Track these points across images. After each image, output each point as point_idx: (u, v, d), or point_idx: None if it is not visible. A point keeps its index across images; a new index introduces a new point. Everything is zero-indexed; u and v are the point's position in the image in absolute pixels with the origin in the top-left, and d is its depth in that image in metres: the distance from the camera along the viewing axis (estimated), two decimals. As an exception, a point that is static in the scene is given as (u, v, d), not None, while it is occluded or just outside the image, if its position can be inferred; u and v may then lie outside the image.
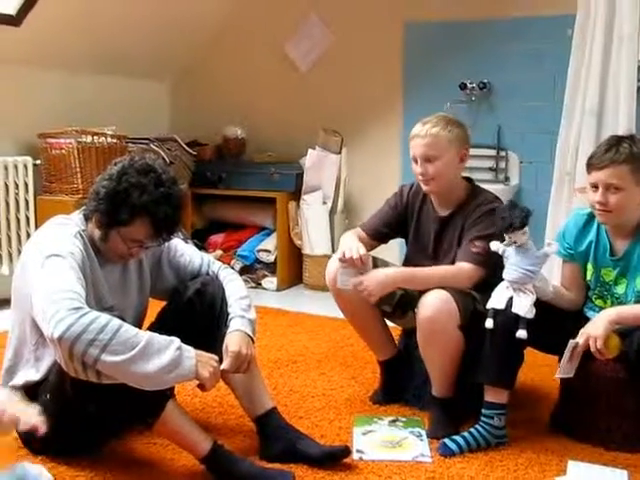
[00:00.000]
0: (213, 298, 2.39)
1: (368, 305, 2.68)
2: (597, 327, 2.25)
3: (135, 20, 4.59)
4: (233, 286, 2.45)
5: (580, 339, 2.28)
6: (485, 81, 4.47)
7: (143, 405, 2.09)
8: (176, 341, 2.02)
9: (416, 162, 2.64)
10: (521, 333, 2.30)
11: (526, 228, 2.36)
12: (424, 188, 2.68)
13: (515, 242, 2.36)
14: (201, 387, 2.10)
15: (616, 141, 2.39)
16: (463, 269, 2.55)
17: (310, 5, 4.96)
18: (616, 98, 3.72)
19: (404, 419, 2.65)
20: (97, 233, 2.25)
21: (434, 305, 2.44)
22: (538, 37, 4.35)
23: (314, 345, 3.55)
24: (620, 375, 2.40)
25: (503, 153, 4.53)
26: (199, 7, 4.87)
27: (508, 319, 2.32)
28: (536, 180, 4.44)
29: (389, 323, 2.87)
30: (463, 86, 4.49)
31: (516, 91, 4.45)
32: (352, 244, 2.63)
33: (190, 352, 2.04)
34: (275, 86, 5.15)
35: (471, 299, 2.49)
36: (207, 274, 2.50)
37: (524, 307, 2.30)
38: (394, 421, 2.64)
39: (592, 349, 2.26)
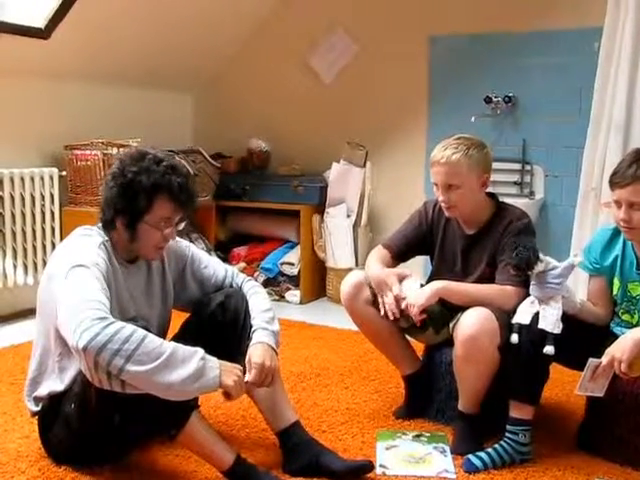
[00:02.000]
0: (237, 311, 2.38)
1: (385, 321, 2.67)
2: (623, 349, 2.21)
3: (161, 33, 4.63)
4: (257, 298, 2.44)
5: (604, 359, 2.24)
6: (510, 95, 4.44)
7: (167, 416, 2.09)
8: (200, 351, 2.02)
9: (437, 188, 2.60)
10: (548, 349, 2.28)
11: (538, 264, 2.35)
12: (447, 213, 2.66)
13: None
14: (227, 396, 2.10)
15: (638, 157, 2.35)
16: (507, 291, 2.51)
17: (335, 17, 4.96)
18: (643, 114, 3.68)
19: (428, 434, 2.63)
20: (125, 236, 2.25)
21: (478, 324, 2.40)
22: (564, 51, 4.31)
23: (337, 358, 3.53)
24: None
25: (528, 167, 4.48)
26: (225, 20, 4.90)
27: (534, 335, 2.29)
28: (561, 194, 4.39)
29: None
30: (488, 100, 4.46)
31: (542, 105, 4.41)
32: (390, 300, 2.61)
33: (214, 362, 2.04)
34: (299, 99, 5.16)
35: (508, 318, 2.44)
36: (231, 286, 2.50)
37: (551, 322, 2.28)
38: (418, 436, 2.62)
39: (616, 371, 2.23)
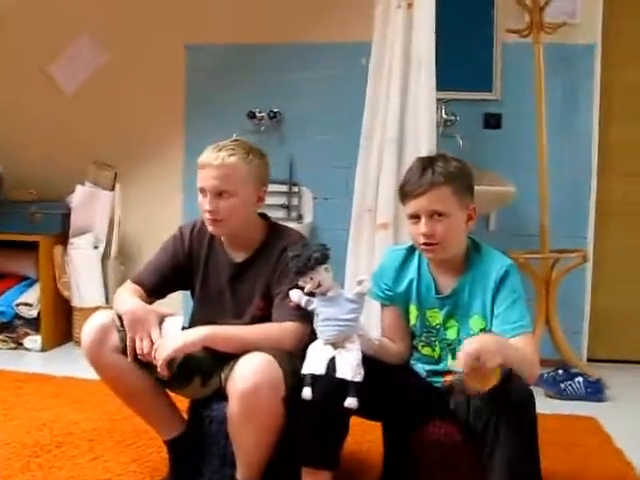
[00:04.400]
0: None
1: (139, 373, 2.16)
2: (469, 342, 1.80)
3: None
4: None
5: (458, 363, 1.79)
6: (275, 110, 4.14)
7: None
8: None
9: (205, 195, 2.17)
10: (350, 402, 1.85)
11: (328, 265, 1.96)
12: (210, 229, 2.21)
13: (320, 285, 1.94)
14: None
15: (428, 162, 2.08)
16: (288, 328, 2.10)
17: (79, 23, 4.36)
18: (416, 127, 3.48)
19: (200, 514, 2.13)
20: None
21: (257, 374, 1.94)
22: (330, 65, 4.11)
23: (85, 419, 2.91)
24: (455, 439, 2.06)
25: (296, 189, 4.20)
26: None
27: (332, 386, 1.87)
28: (332, 218, 4.12)
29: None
30: (252, 115, 4.12)
31: (309, 122, 4.15)
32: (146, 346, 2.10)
33: None
34: (37, 113, 4.46)
35: (293, 363, 2.02)
36: None
37: (351, 369, 1.86)
38: (187, 517, 2.11)
39: (468, 364, 1.76)
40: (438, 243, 2.02)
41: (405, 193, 2.07)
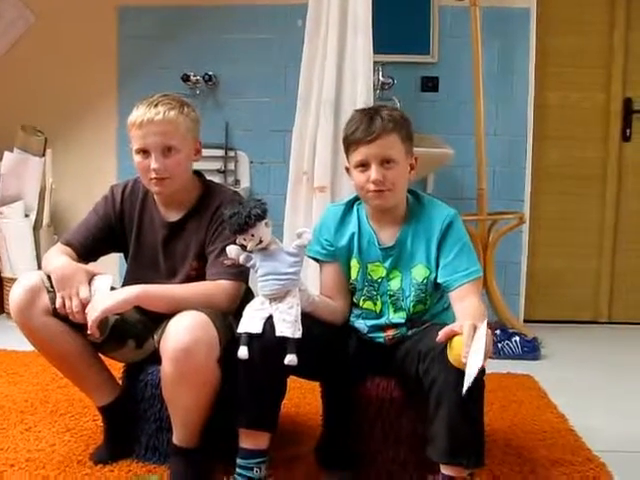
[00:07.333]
0: None
1: (71, 337, 2.08)
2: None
3: None
4: None
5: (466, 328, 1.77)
6: (210, 73, 4.08)
7: None
8: None
9: (146, 155, 2.08)
10: (291, 359, 1.81)
11: (267, 219, 1.91)
12: (155, 189, 2.13)
13: (261, 241, 1.89)
14: None
15: (375, 111, 2.04)
16: (221, 286, 2.05)
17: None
18: (353, 90, 3.45)
19: (137, 480, 2.07)
20: None
21: (191, 333, 1.89)
22: (266, 27, 4.09)
23: (16, 391, 2.82)
24: (394, 395, 2.05)
25: (232, 153, 4.15)
26: None
27: (269, 345, 1.82)
28: (269, 182, 4.11)
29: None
30: (186, 78, 4.05)
31: (244, 85, 4.11)
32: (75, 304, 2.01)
33: None
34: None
35: (228, 322, 1.98)
36: None
37: (289, 326, 1.82)
38: (124, 484, 2.05)
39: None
40: (388, 189, 1.99)
41: (354, 140, 2.02)
